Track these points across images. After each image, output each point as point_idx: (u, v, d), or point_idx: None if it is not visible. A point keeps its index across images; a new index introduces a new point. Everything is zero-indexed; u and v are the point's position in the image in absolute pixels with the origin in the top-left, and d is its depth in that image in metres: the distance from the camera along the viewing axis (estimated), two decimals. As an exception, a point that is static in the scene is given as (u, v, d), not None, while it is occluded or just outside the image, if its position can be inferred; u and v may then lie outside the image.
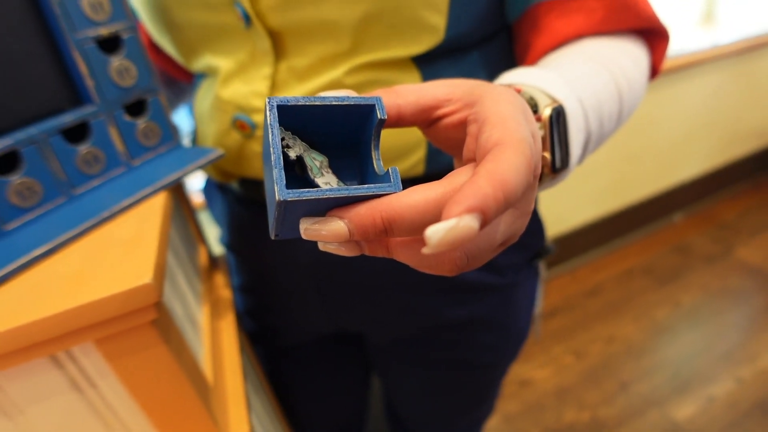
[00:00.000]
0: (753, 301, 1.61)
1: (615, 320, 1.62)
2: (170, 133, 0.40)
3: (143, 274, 0.27)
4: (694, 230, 1.99)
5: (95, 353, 0.29)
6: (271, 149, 0.21)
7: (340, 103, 0.22)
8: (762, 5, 1.85)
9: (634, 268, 1.84)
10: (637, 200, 1.90)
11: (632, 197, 1.89)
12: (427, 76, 0.38)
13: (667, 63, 1.61)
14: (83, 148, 0.35)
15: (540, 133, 0.27)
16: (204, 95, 0.45)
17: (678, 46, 1.67)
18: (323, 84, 0.38)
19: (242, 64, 0.39)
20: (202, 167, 0.38)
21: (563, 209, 1.74)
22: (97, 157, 0.35)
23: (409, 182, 0.41)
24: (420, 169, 0.41)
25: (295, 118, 0.22)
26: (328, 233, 0.21)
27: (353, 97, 0.22)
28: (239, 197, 0.50)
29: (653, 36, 0.40)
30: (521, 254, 0.51)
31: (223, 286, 0.51)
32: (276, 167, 0.20)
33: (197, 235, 0.53)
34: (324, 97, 0.22)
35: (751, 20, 1.82)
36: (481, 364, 0.57)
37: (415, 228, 0.20)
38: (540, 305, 0.61)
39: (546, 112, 0.29)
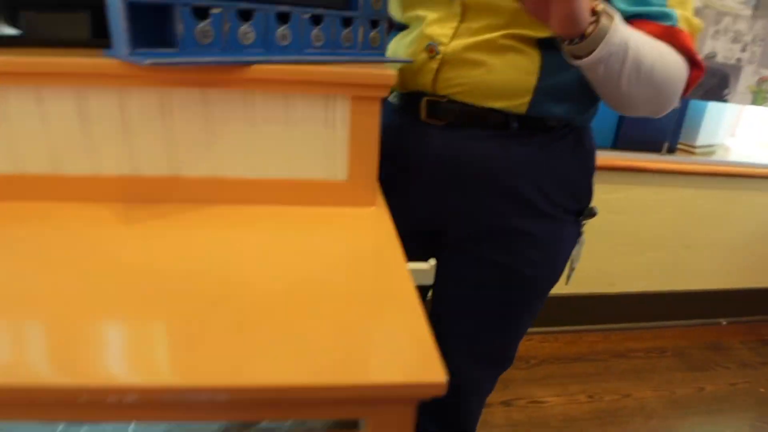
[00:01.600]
0: (777, 413, 1.67)
1: (635, 383, 1.73)
2: (384, 45, 0.68)
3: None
4: (738, 337, 2.06)
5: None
6: None
7: None
8: None
9: (667, 348, 1.93)
10: (687, 290, 2.01)
11: (683, 285, 2.00)
12: (545, 57, 0.63)
13: (747, 168, 1.77)
14: (346, 31, 0.63)
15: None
16: (401, 38, 0.73)
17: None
18: (484, 39, 0.64)
19: (441, 17, 0.67)
20: (399, 62, 0.66)
21: (616, 273, 1.89)
22: (349, 38, 0.63)
23: (513, 116, 0.66)
24: (522, 110, 0.66)
25: None
26: None
27: None
28: (394, 107, 0.77)
29: (691, 65, 0.63)
30: (571, 200, 0.73)
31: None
32: None
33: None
34: None
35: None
36: (521, 275, 0.77)
37: None
38: (577, 262, 0.82)
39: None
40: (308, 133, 0.57)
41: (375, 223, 0.57)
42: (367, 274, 0.47)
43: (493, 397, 1.59)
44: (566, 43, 0.54)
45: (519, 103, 0.65)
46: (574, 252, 0.80)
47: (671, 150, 1.70)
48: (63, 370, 0.32)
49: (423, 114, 0.71)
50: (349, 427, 1.40)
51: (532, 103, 0.65)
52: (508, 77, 0.64)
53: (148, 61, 0.44)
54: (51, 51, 0.53)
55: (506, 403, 1.57)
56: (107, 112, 0.54)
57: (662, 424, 1.56)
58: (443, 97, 0.68)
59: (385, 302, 0.42)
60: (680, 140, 1.74)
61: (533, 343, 1.86)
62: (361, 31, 0.64)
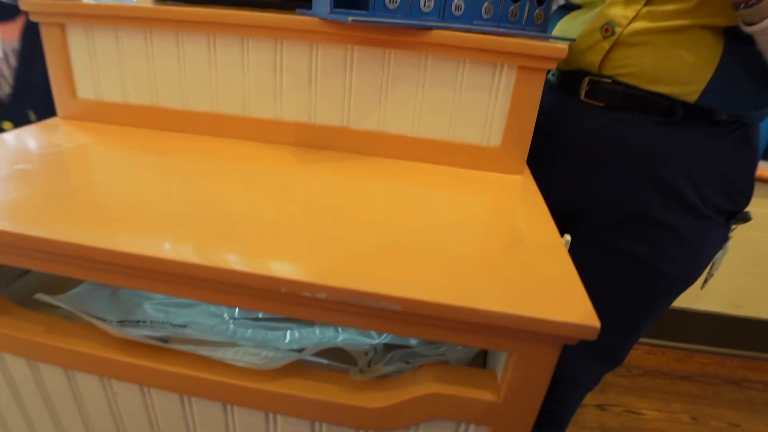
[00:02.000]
0: None
1: (748, 415, 1.59)
2: (546, 23, 0.69)
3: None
4: None
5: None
6: None
7: None
8: None
9: (792, 385, 1.75)
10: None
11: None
12: (728, 47, 0.60)
13: None
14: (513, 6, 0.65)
15: None
16: (572, 18, 0.73)
17: None
18: (667, 25, 0.62)
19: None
20: (562, 39, 0.66)
21: (743, 295, 1.74)
22: (515, 13, 0.65)
23: (680, 104, 0.64)
24: (692, 98, 0.64)
25: None
26: None
27: None
28: (551, 84, 0.77)
29: None
30: (725, 200, 0.70)
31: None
32: None
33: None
34: None
35: None
36: (656, 270, 0.75)
37: None
38: (717, 269, 0.78)
39: None
40: (471, 98, 0.60)
41: (523, 189, 0.59)
42: (518, 226, 0.50)
43: (589, 399, 1.55)
44: (741, 6, 0.52)
45: (690, 91, 0.63)
46: (717, 256, 0.76)
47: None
48: (263, 263, 0.38)
49: (582, 93, 0.71)
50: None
51: (705, 93, 0.62)
52: (684, 63, 0.62)
53: (351, 18, 0.49)
54: (251, 9, 0.61)
55: (600, 407, 1.53)
56: (297, 63, 0.61)
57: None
58: (608, 77, 0.68)
59: (535, 249, 0.44)
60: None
61: (638, 353, 1.77)
62: (527, 7, 0.66)
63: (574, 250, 0.86)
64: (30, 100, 1.13)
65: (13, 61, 1.10)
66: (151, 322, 0.49)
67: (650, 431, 1.46)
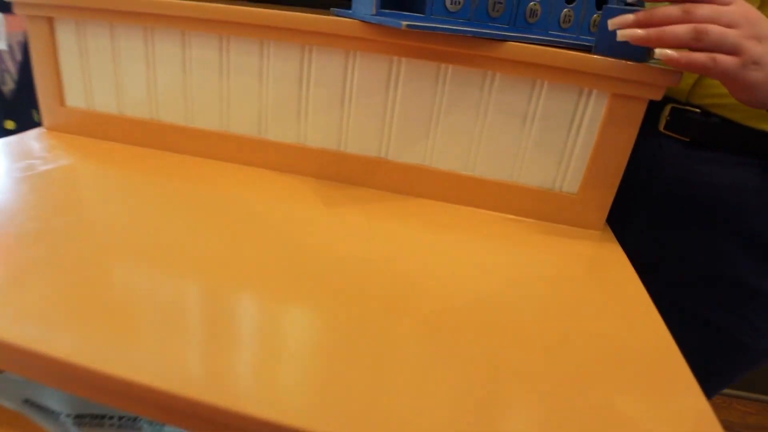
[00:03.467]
0: None
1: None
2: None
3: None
4: None
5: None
6: None
7: None
8: None
9: None
10: None
11: None
12: None
13: None
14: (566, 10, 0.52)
15: None
16: None
17: None
18: None
19: None
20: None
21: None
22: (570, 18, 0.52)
23: None
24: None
25: None
26: None
27: None
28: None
29: None
30: None
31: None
32: None
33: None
34: None
35: None
36: (736, 342, 0.61)
37: None
38: None
39: None
40: (546, 131, 0.47)
41: (605, 251, 0.46)
42: (611, 319, 0.36)
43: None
44: None
45: None
46: None
47: None
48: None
49: (662, 123, 0.57)
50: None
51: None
52: None
53: (405, 23, 0.37)
54: (276, 6, 0.49)
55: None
56: (329, 76, 0.49)
57: None
58: (697, 107, 0.54)
59: (644, 367, 0.31)
60: None
61: (732, 410, 1.59)
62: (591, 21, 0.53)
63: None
64: (34, 97, 1.03)
65: (19, 55, 1.01)
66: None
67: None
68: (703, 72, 0.38)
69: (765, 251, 0.55)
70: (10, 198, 0.41)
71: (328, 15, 0.46)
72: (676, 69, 0.40)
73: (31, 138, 0.56)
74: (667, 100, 0.57)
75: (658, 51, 0.39)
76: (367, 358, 0.27)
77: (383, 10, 0.42)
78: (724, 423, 1.56)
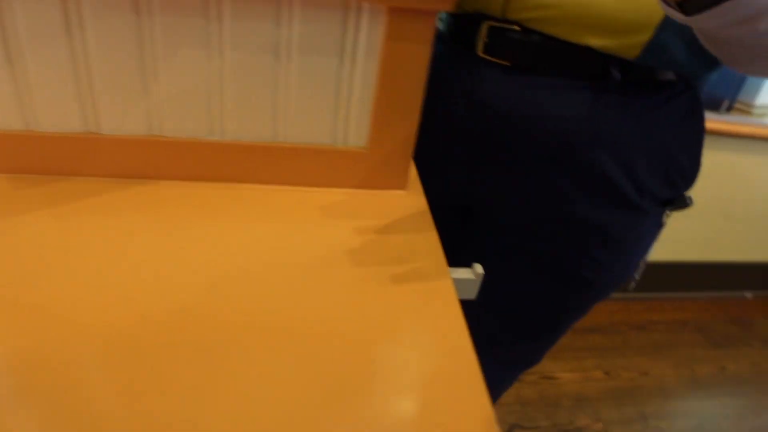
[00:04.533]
0: (801, 396, 1.55)
1: (654, 359, 1.60)
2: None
3: None
4: (762, 312, 1.92)
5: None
6: None
7: None
8: None
9: (689, 321, 1.80)
10: (715, 260, 1.84)
11: (712, 255, 1.83)
12: None
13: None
14: None
15: None
16: None
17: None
18: None
19: None
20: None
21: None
22: None
23: (616, 62, 0.44)
24: (634, 53, 0.43)
25: None
26: None
27: None
28: (440, 35, 0.54)
29: None
30: (664, 187, 0.53)
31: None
32: None
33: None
34: None
35: None
36: (578, 278, 0.58)
37: None
38: (648, 256, 0.63)
39: None
40: (309, 66, 0.36)
41: (407, 220, 0.37)
42: (405, 317, 0.28)
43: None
44: None
45: (632, 44, 0.43)
46: (649, 250, 0.61)
47: (729, 108, 1.47)
48: None
49: (480, 46, 0.49)
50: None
51: (650, 46, 0.43)
52: (626, 5, 0.41)
53: None
54: None
55: (517, 379, 1.44)
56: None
57: (681, 406, 1.44)
58: (514, 23, 0.46)
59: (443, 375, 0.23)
60: (739, 98, 1.50)
61: (599, 313, 1.71)
62: None
63: (477, 252, 0.67)
64: None
65: None
66: None
67: (567, 395, 1.41)
68: None
69: (598, 184, 0.51)
70: None
71: None
72: None
73: None
74: (481, 17, 0.48)
75: None
76: None
77: None
78: (594, 326, 1.70)
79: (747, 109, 1.54)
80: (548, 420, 1.32)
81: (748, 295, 1.97)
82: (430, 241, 0.35)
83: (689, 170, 0.53)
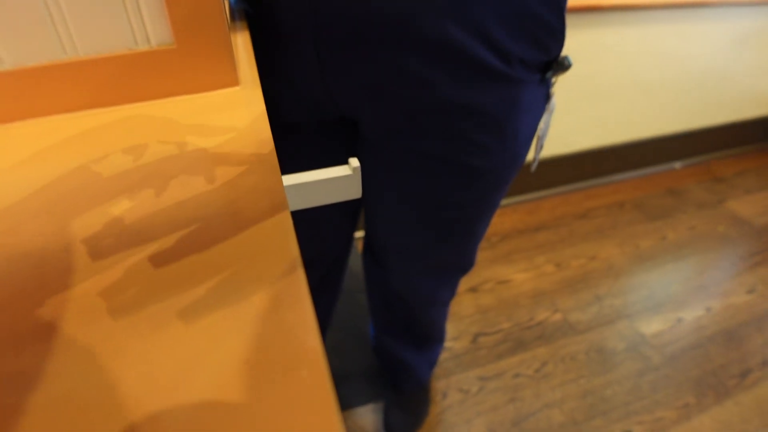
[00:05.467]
0: (736, 248, 1.64)
1: (600, 243, 1.64)
2: None
3: None
4: (692, 179, 2.00)
5: None
6: None
7: None
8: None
9: (626, 201, 1.85)
10: (642, 138, 1.88)
11: (638, 134, 1.86)
12: None
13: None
14: None
15: None
16: None
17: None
18: None
19: None
20: None
21: (568, 131, 1.71)
22: None
23: None
24: None
25: None
26: None
27: None
28: None
29: None
30: (532, 49, 0.47)
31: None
32: None
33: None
34: None
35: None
36: (468, 169, 0.54)
37: None
38: (545, 138, 0.58)
39: None
40: None
41: (232, 125, 0.30)
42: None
43: (460, 285, 1.46)
44: None
45: None
46: (541, 124, 0.56)
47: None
48: None
49: None
50: None
51: None
52: None
53: None
54: None
55: (473, 289, 1.44)
56: None
57: (631, 281, 1.49)
58: None
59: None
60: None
61: (542, 211, 1.72)
62: None
63: (367, 167, 0.60)
64: None
65: None
66: None
67: (524, 294, 1.43)
68: None
69: (456, 60, 0.44)
70: None
71: None
72: None
73: None
74: None
75: None
76: None
77: None
78: (539, 224, 1.71)
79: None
80: (509, 321, 1.34)
81: (677, 165, 2.04)
82: (264, 141, 0.28)
83: (556, 28, 0.48)
